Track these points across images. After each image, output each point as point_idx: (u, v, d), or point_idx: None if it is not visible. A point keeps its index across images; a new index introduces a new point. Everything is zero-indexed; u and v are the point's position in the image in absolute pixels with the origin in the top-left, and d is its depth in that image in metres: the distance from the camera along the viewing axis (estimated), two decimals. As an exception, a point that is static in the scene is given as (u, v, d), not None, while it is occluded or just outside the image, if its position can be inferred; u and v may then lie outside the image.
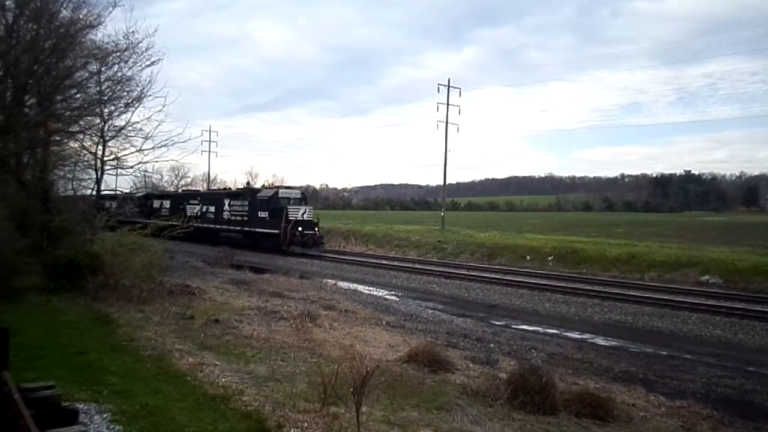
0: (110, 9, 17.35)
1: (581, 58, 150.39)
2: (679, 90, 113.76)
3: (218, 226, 36.21)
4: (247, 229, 33.56)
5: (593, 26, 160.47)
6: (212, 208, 37.60)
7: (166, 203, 43.12)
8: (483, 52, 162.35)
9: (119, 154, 19.98)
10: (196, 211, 38.24)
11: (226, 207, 36.28)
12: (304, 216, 31.22)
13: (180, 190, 45.15)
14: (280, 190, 32.89)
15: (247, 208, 33.97)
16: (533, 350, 10.92)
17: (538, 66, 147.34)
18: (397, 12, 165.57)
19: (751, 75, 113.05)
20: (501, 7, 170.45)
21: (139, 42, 18.08)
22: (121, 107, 19.01)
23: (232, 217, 35.65)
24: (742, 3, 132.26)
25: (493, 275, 22.96)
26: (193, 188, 44.87)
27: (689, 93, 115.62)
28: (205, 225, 36.49)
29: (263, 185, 40.75)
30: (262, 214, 32.29)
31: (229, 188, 37.27)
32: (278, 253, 30.03)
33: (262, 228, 32.19)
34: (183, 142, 19.69)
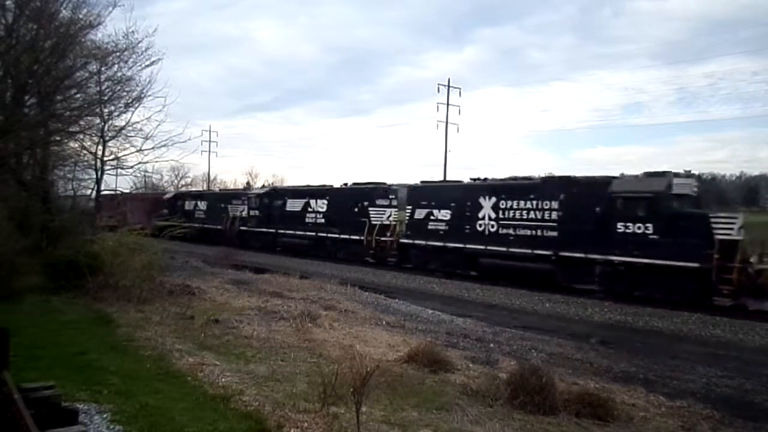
0: (110, 9, 17.39)
1: (582, 58, 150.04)
2: (680, 90, 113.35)
3: (471, 246, 20.97)
4: (564, 254, 18.26)
5: (595, 26, 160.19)
6: (442, 214, 22.41)
7: (319, 204, 28.84)
8: (484, 51, 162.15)
9: (119, 154, 20.02)
10: (388, 216, 25.68)
11: (488, 210, 20.65)
12: (739, 232, 15.43)
13: (350, 184, 28.50)
14: (675, 180, 16.76)
15: (558, 215, 18.64)
16: (533, 350, 10.91)
17: (539, 66, 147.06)
18: (398, 12, 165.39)
19: (752, 75, 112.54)
20: (502, 6, 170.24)
21: (139, 42, 18.14)
22: (121, 107, 19.06)
23: (507, 231, 20.04)
24: (744, 3, 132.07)
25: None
26: (377, 181, 27.99)
27: (690, 93, 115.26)
28: (429, 243, 22.58)
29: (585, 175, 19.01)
30: (638, 229, 16.46)
31: (481, 177, 22.42)
32: (689, 308, 15.27)
33: (634, 255, 16.40)
34: (183, 142, 19.72)
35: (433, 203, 22.97)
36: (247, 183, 75.81)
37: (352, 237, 26.20)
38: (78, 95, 17.79)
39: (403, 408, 6.43)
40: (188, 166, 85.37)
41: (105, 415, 5.28)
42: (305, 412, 5.75)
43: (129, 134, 19.58)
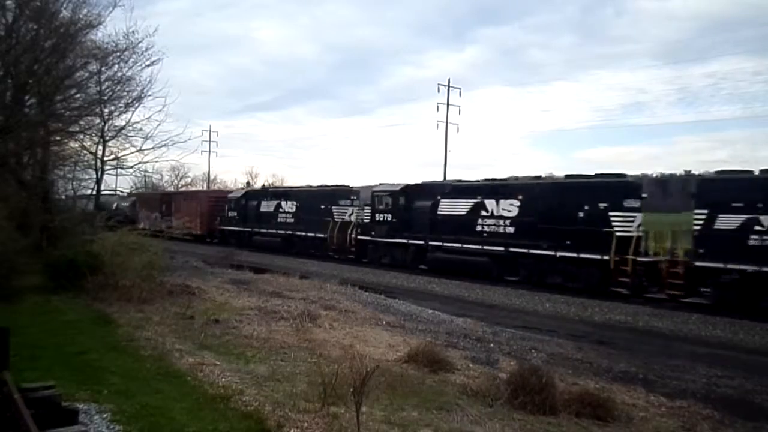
0: (110, 9, 17.44)
1: (584, 58, 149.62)
2: (681, 90, 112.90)
3: None
4: None
5: (596, 25, 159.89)
6: None
7: (503, 206, 20.54)
8: (485, 51, 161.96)
9: (119, 154, 20.12)
10: (638, 226, 17.43)
11: None
12: None
13: (561, 175, 21.14)
14: None
15: None
16: (533, 350, 10.91)
17: (540, 65, 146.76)
18: (399, 11, 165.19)
19: (753, 75, 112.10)
20: (504, 6, 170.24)
21: (139, 42, 18.21)
22: (121, 107, 19.14)
23: None
24: (747, 2, 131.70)
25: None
26: (615, 172, 19.24)
27: (691, 93, 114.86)
28: None
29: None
30: None
31: None
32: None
33: None
34: (183, 142, 19.79)
35: None
36: (247, 183, 75.74)
37: (582, 256, 17.81)
38: (78, 95, 17.83)
39: (403, 408, 6.42)
40: (188, 166, 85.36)
41: (105, 415, 5.28)
42: (305, 412, 5.75)
43: (129, 134, 19.69)
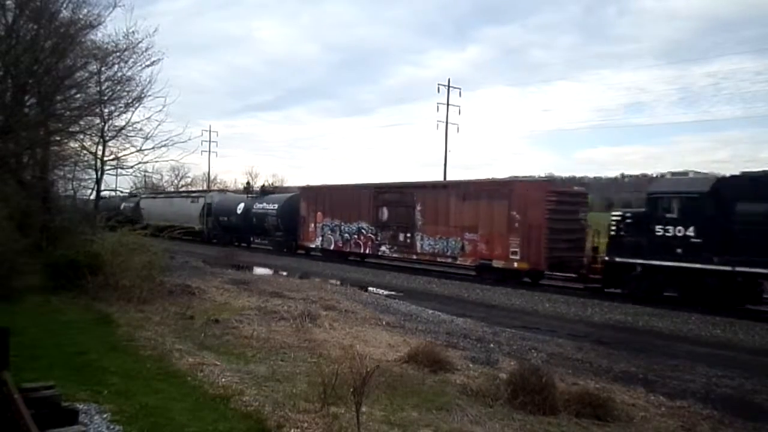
0: (110, 9, 17.43)
1: (585, 57, 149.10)
2: (682, 89, 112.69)
3: None
4: None
5: (598, 25, 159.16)
6: None
7: None
8: (487, 50, 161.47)
9: (119, 154, 20.07)
10: None
11: None
12: None
13: None
14: None
15: None
16: (533, 350, 10.90)
17: (542, 65, 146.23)
18: (400, 10, 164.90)
19: (755, 75, 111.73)
20: (506, 5, 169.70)
21: (139, 42, 18.18)
22: (121, 107, 19.10)
23: None
24: (748, 2, 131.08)
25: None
26: None
27: (692, 92, 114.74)
28: None
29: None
30: None
31: None
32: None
33: None
34: (183, 142, 19.72)
35: None
36: (247, 183, 75.57)
37: None
38: (78, 95, 17.83)
39: (403, 408, 6.42)
40: (188, 166, 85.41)
41: (105, 415, 5.28)
42: (305, 412, 5.75)
43: (129, 134, 19.63)
